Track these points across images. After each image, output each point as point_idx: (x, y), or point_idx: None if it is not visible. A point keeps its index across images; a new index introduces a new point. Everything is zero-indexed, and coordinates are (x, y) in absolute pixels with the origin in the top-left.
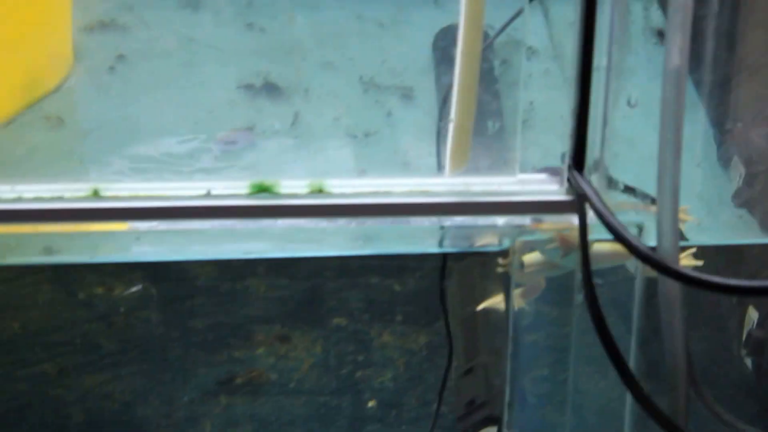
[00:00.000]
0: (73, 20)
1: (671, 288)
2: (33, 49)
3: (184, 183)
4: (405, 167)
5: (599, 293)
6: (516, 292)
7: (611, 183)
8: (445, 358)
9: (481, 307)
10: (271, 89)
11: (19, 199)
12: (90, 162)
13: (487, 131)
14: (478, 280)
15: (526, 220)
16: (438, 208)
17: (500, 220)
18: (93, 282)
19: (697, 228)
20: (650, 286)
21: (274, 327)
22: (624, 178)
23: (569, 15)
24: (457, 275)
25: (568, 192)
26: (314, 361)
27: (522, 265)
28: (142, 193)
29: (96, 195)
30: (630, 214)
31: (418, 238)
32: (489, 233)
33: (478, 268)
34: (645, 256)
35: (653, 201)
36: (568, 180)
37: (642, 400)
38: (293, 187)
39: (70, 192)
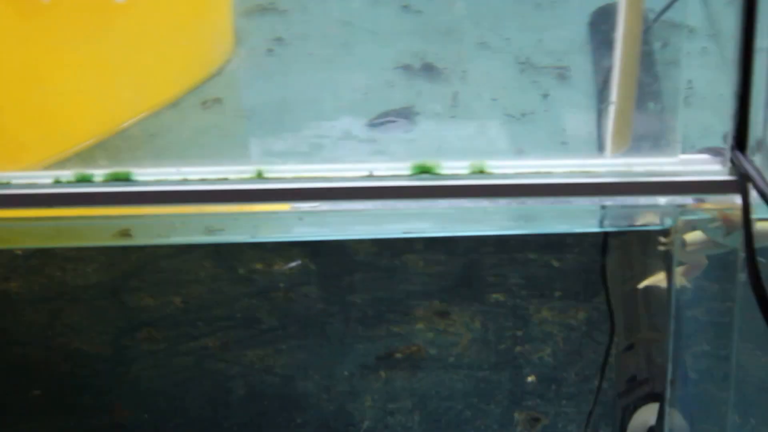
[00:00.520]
0: (234, 5)
1: None
2: (196, 34)
3: (347, 164)
4: (562, 147)
5: (763, 271)
6: (678, 270)
7: None
8: (604, 334)
9: (642, 284)
10: (428, 70)
11: (184, 181)
12: (251, 143)
13: (648, 112)
14: (638, 257)
15: (687, 199)
16: (600, 189)
17: (662, 200)
18: (253, 258)
19: None
20: None
21: (432, 302)
22: None
23: None
24: (616, 252)
25: (730, 172)
26: (473, 336)
27: (684, 243)
28: (304, 174)
29: (260, 176)
30: None
31: (579, 218)
32: (650, 212)
33: (637, 245)
34: None
35: None
36: (731, 160)
37: None
38: (454, 168)
39: (234, 174)
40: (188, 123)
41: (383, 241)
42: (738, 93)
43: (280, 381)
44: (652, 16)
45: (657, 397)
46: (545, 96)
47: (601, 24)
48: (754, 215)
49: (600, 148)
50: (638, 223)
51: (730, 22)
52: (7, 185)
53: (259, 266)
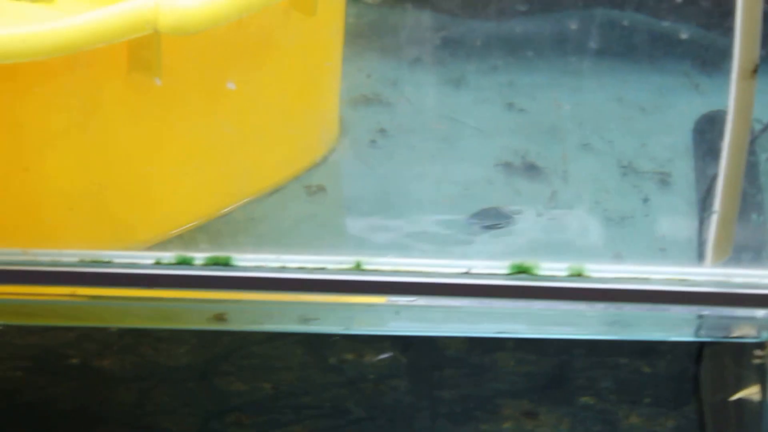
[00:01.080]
0: (340, 95)
1: None
2: (303, 122)
3: (444, 260)
4: (661, 253)
5: None
6: None
7: None
8: None
9: (735, 396)
10: (529, 168)
11: (283, 269)
12: (350, 233)
13: (750, 223)
14: (731, 369)
15: None
16: (698, 298)
17: (760, 312)
18: (344, 347)
19: None
20: None
21: (521, 402)
22: None
23: None
24: (709, 362)
25: None
26: None
27: None
28: (402, 268)
29: (359, 268)
30: None
31: (675, 326)
32: (747, 324)
33: (731, 356)
34: None
35: None
36: None
37: None
38: (552, 270)
39: (332, 264)
40: (290, 210)
41: (475, 337)
42: None
43: None
44: (758, 126)
45: None
46: (646, 201)
47: (706, 131)
48: None
49: (700, 256)
50: (735, 334)
51: None
52: (109, 264)
53: (350, 356)
